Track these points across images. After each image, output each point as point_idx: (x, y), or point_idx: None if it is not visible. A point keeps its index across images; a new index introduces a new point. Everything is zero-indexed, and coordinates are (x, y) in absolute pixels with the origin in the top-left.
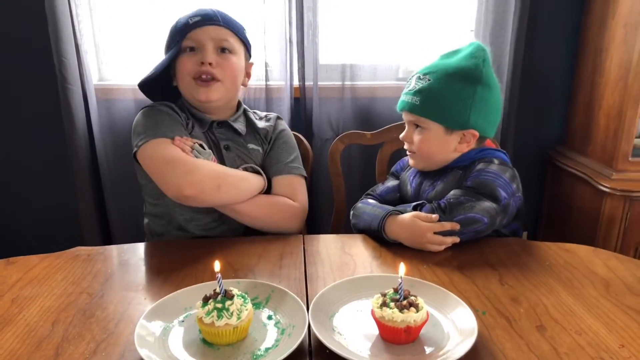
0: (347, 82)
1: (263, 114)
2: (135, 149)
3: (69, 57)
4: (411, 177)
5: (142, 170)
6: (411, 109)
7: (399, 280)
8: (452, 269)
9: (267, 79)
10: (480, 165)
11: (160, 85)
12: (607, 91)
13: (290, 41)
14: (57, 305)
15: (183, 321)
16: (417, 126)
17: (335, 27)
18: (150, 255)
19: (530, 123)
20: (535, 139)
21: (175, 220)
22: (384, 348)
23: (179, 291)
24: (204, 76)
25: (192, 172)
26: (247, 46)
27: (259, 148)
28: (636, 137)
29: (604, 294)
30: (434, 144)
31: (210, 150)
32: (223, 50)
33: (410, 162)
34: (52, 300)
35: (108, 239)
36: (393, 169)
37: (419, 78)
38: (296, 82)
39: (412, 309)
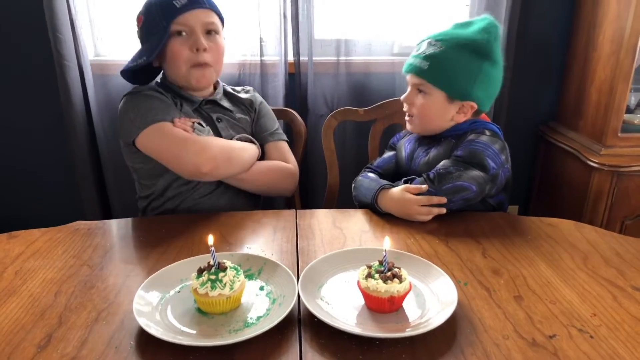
0: (342, 58)
1: (239, 87)
2: (132, 136)
3: (64, 33)
4: (406, 144)
5: (137, 155)
6: (419, 72)
7: (384, 253)
8: (437, 242)
9: (261, 55)
10: (471, 136)
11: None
12: (600, 66)
13: (285, 16)
14: (59, 277)
15: (179, 292)
16: (420, 91)
17: (330, 2)
18: (147, 230)
19: (523, 98)
20: (528, 114)
21: (171, 195)
22: (369, 317)
23: (175, 263)
24: (199, 67)
25: (205, 149)
26: (223, 21)
27: (247, 117)
28: (626, 113)
29: (581, 266)
30: (434, 110)
31: (208, 128)
32: (209, 32)
33: (408, 125)
34: (54, 272)
35: (108, 214)
36: (390, 141)
37: (431, 43)
38: (291, 58)
39: (396, 280)
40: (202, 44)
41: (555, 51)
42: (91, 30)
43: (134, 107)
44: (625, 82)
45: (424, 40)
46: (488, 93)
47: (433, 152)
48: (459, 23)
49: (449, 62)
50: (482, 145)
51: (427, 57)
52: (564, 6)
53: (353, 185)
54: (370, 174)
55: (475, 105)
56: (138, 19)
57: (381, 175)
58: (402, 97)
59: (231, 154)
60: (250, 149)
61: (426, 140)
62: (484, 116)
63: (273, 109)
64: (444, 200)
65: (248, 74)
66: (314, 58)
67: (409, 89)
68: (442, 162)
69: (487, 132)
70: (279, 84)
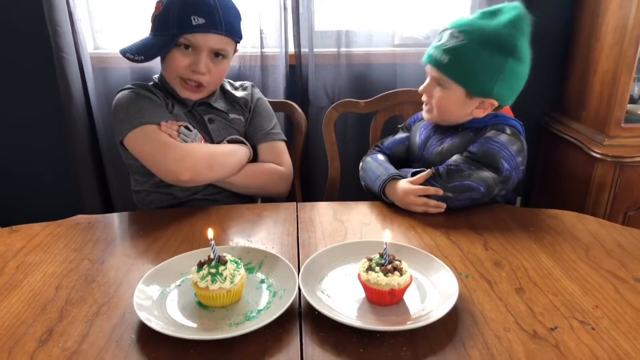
0: (343, 49)
1: (238, 83)
2: (120, 136)
3: (63, 25)
4: (422, 129)
5: (127, 152)
6: (438, 65)
7: (384, 245)
8: (438, 234)
9: (262, 47)
10: (490, 133)
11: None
12: (602, 56)
13: (285, 7)
14: (60, 271)
15: (179, 285)
16: (439, 84)
17: None
18: (147, 223)
19: (525, 89)
20: (530, 105)
21: (165, 191)
22: (370, 309)
23: (175, 257)
24: (191, 82)
25: (185, 158)
26: (239, 40)
27: (241, 117)
28: (629, 104)
29: (583, 258)
30: (452, 105)
31: (196, 130)
32: (217, 55)
33: (425, 115)
34: (55, 267)
35: (108, 207)
36: (407, 121)
37: (453, 35)
38: (291, 49)
39: (396, 272)
40: (201, 67)
41: (558, 41)
42: (90, 23)
43: (124, 107)
44: (628, 72)
45: (446, 29)
46: (511, 90)
47: (448, 143)
48: (486, 11)
49: (470, 58)
50: (499, 146)
51: (447, 51)
52: None
53: (361, 164)
54: (380, 156)
55: (496, 103)
56: (157, 5)
57: (389, 158)
58: (420, 88)
59: (213, 160)
60: (239, 152)
61: (442, 128)
62: (507, 109)
63: (273, 101)
64: (440, 191)
65: (248, 66)
66: (314, 49)
67: (427, 80)
68: (454, 157)
69: (508, 131)
70: (279, 76)
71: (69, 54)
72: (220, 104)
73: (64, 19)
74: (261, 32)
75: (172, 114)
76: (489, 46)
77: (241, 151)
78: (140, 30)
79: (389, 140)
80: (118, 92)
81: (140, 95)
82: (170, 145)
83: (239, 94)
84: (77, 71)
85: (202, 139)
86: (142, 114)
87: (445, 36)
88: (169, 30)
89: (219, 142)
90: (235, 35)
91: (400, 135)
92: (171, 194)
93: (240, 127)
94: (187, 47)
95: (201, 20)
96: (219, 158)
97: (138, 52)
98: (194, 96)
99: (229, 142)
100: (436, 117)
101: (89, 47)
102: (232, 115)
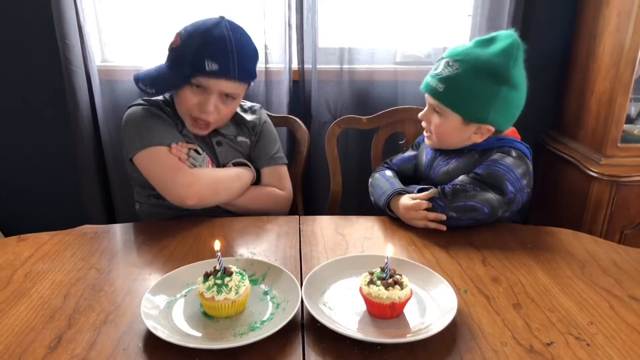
0: (346, 66)
1: (247, 104)
2: (130, 154)
3: (72, 39)
4: (428, 149)
5: (134, 168)
6: (434, 93)
7: (386, 260)
8: (438, 250)
9: (266, 62)
10: (496, 155)
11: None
12: (600, 77)
13: (290, 25)
14: (67, 279)
15: (185, 295)
16: (436, 111)
17: (334, 11)
18: (153, 234)
19: (524, 108)
20: (528, 123)
21: (166, 205)
22: (371, 322)
23: (181, 268)
24: (200, 121)
25: (192, 184)
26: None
27: (247, 140)
28: (625, 124)
29: (579, 275)
30: (450, 131)
31: (204, 154)
32: (227, 96)
33: (426, 140)
34: (63, 275)
35: (112, 217)
36: (416, 139)
37: (448, 63)
38: (295, 65)
39: (397, 286)
40: (209, 108)
41: (556, 62)
42: (99, 36)
43: (135, 124)
44: (624, 93)
45: (443, 58)
46: (507, 116)
47: (454, 163)
48: (481, 39)
49: (464, 86)
50: (505, 168)
51: (442, 80)
52: (565, 17)
53: (370, 180)
54: (388, 172)
55: (492, 129)
56: (176, 36)
57: (397, 174)
58: (419, 114)
59: (219, 186)
60: (243, 177)
61: (448, 149)
62: (514, 131)
63: (277, 116)
64: (436, 191)
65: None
66: (317, 66)
67: (426, 107)
68: (461, 178)
69: (514, 153)
70: (283, 91)
71: (78, 66)
72: (229, 130)
73: (73, 32)
74: (266, 48)
75: (181, 133)
76: (482, 74)
77: (246, 175)
78: (148, 43)
79: (397, 158)
80: (129, 106)
81: (151, 113)
82: (179, 170)
83: (248, 117)
84: (84, 83)
85: (209, 161)
86: (153, 133)
87: (441, 65)
88: (182, 68)
89: (224, 165)
90: (249, 78)
91: (409, 153)
92: (172, 208)
93: (246, 150)
94: (198, 86)
95: (215, 67)
96: (224, 183)
97: (151, 84)
98: (202, 132)
99: (234, 164)
100: (436, 142)
101: (96, 60)
102: (239, 138)
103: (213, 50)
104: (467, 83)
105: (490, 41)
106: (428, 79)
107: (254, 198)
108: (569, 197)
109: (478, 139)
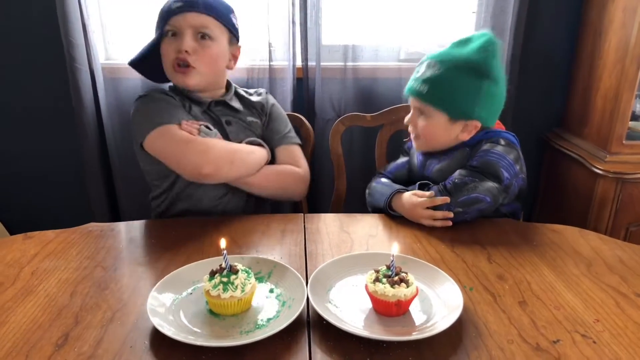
0: (349, 63)
1: (252, 90)
2: (140, 138)
3: (77, 37)
4: (417, 152)
5: (146, 157)
6: (418, 95)
7: (391, 257)
8: (444, 247)
9: (270, 60)
10: (486, 146)
11: (155, 64)
12: (605, 74)
13: (294, 22)
14: (74, 277)
15: (191, 293)
16: (422, 113)
17: (338, 8)
18: (158, 232)
19: (529, 105)
20: (533, 121)
21: (183, 196)
22: (376, 320)
23: (187, 266)
24: (180, 63)
25: (208, 151)
26: (232, 30)
27: (258, 120)
28: (631, 120)
29: (585, 273)
30: (437, 131)
31: (216, 130)
32: (203, 37)
33: (414, 144)
34: (69, 273)
35: (116, 215)
36: (405, 145)
37: (430, 65)
38: (299, 63)
39: (403, 284)
40: (183, 45)
41: (561, 58)
42: (103, 34)
43: (143, 110)
44: (630, 90)
45: (423, 62)
46: (491, 111)
47: (445, 161)
48: (457, 41)
49: (447, 84)
50: (497, 156)
51: (425, 81)
52: (570, 14)
53: (367, 191)
54: (384, 179)
55: (479, 124)
56: None
57: (393, 181)
58: (405, 120)
59: (234, 156)
60: (257, 153)
61: (438, 151)
62: (498, 124)
63: None
64: (447, 200)
65: (257, 79)
66: (321, 63)
67: (411, 111)
68: (457, 172)
69: (502, 142)
70: (287, 89)
71: (82, 64)
72: (235, 103)
73: (77, 31)
74: (270, 45)
75: (190, 114)
76: (464, 70)
77: (260, 152)
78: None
79: (391, 166)
80: (135, 99)
81: (157, 98)
82: (192, 141)
83: (255, 98)
84: (89, 81)
85: (220, 138)
86: (161, 114)
87: (423, 68)
88: (157, 29)
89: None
90: (219, 16)
91: (402, 159)
92: (186, 199)
93: (258, 131)
94: (173, 34)
95: (179, 4)
96: (239, 154)
97: (139, 53)
98: (187, 79)
99: (247, 143)
100: (424, 145)
101: (101, 58)
102: (249, 118)
103: None
104: (450, 80)
105: (466, 41)
106: (411, 83)
107: (270, 175)
108: (574, 194)
109: (466, 136)
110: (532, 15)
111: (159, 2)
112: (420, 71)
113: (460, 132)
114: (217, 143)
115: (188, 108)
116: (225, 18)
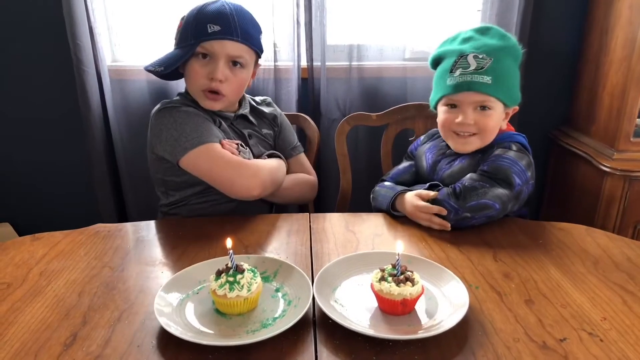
0: (354, 63)
1: (259, 99)
2: (180, 155)
3: (83, 39)
4: (427, 154)
5: (170, 169)
6: (482, 88)
7: (397, 256)
8: (449, 246)
9: (275, 60)
10: (498, 151)
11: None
12: (612, 71)
13: (298, 22)
14: (82, 277)
15: (198, 293)
16: (480, 107)
17: (342, 8)
18: (165, 232)
19: (535, 102)
20: (539, 118)
21: (198, 207)
22: (382, 319)
23: (193, 265)
24: (211, 91)
25: (257, 174)
26: (259, 52)
27: (271, 132)
28: (638, 117)
29: (592, 271)
30: (497, 124)
31: (248, 148)
32: (235, 63)
33: (463, 147)
34: (77, 274)
35: (123, 216)
36: (408, 150)
37: (479, 57)
38: (304, 63)
39: (408, 283)
40: (218, 74)
41: (567, 55)
42: (109, 37)
43: (178, 125)
44: (637, 87)
45: (464, 55)
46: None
47: (458, 165)
48: (474, 31)
49: (506, 72)
50: (509, 162)
51: (487, 72)
52: (576, 11)
53: (372, 196)
54: (387, 183)
55: (517, 108)
56: (180, 21)
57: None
58: (460, 119)
59: (274, 175)
60: (281, 166)
61: (451, 150)
62: (507, 123)
63: (286, 114)
64: (443, 211)
65: (262, 79)
66: (326, 63)
67: (468, 109)
68: (469, 176)
69: (514, 147)
70: (292, 89)
71: (89, 66)
72: (252, 118)
73: (84, 33)
74: (275, 46)
75: (220, 129)
76: (511, 57)
77: (283, 166)
78: (158, 43)
79: (393, 171)
80: (160, 109)
81: (190, 113)
82: (242, 164)
83: (266, 109)
84: (95, 83)
85: (251, 157)
86: (201, 132)
87: (472, 61)
88: (187, 40)
89: (259, 157)
90: (253, 43)
91: (404, 164)
92: (199, 205)
93: (271, 142)
94: (204, 56)
95: (217, 28)
96: (275, 173)
97: (159, 64)
98: (215, 105)
99: (268, 156)
100: (479, 142)
101: (107, 60)
102: (265, 131)
103: (214, 15)
104: (507, 68)
105: (486, 30)
106: (465, 78)
107: (292, 185)
108: (581, 192)
109: (504, 125)
110: (537, 12)
111: (165, 4)
112: (473, 64)
113: (503, 120)
114: (262, 166)
115: (218, 123)
116: (257, 43)
